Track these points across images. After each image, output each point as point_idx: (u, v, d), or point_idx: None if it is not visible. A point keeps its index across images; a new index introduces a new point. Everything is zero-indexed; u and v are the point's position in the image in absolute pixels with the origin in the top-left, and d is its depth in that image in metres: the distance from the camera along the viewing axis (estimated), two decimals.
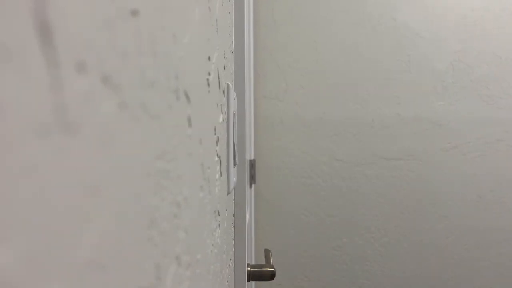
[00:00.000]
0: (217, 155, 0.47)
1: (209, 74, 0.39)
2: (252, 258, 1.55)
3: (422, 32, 1.82)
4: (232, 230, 0.82)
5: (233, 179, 0.75)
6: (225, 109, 0.61)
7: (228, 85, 0.65)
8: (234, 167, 0.75)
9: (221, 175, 0.51)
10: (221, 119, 0.52)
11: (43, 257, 0.09)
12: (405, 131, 1.82)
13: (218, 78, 0.48)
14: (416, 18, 1.82)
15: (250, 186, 1.57)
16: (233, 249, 0.84)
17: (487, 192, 1.74)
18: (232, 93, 0.72)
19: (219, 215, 0.48)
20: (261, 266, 0.84)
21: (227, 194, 0.64)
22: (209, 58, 0.39)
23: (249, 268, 0.83)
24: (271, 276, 0.82)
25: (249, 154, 1.49)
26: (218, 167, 0.47)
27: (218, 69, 0.47)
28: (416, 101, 1.82)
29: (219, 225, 0.48)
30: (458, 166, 1.79)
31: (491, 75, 1.78)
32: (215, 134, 0.45)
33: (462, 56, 1.79)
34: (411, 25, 1.82)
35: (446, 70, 1.79)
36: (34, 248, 0.09)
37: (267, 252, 0.93)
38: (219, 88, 0.50)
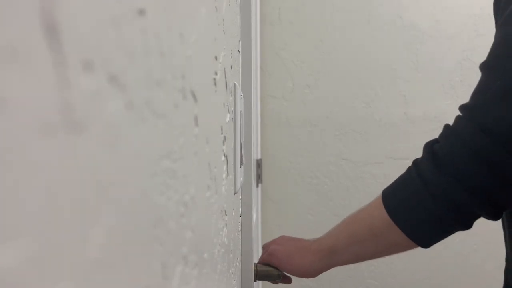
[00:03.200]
0: (224, 155, 0.47)
1: (216, 73, 0.39)
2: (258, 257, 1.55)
3: (429, 31, 1.81)
4: (239, 229, 0.82)
5: (240, 179, 0.75)
6: (232, 108, 0.61)
7: (234, 84, 0.65)
8: (240, 167, 0.75)
9: (228, 175, 0.51)
10: (227, 119, 0.52)
11: (49, 256, 0.09)
12: (413, 131, 1.81)
13: (225, 78, 0.48)
14: (423, 16, 1.81)
15: (257, 186, 1.57)
16: (240, 249, 0.84)
17: None
18: (239, 93, 0.72)
19: (226, 215, 0.48)
20: (268, 265, 0.84)
21: (234, 194, 0.64)
22: (216, 58, 0.39)
23: (256, 268, 0.84)
24: (277, 276, 0.83)
25: (256, 154, 1.49)
26: (225, 167, 0.48)
27: (225, 69, 0.47)
28: (424, 100, 1.80)
29: (226, 224, 0.48)
30: None
31: None
32: (221, 133, 0.45)
33: (470, 54, 1.78)
34: (419, 24, 1.81)
35: (454, 69, 1.77)
36: (40, 247, 0.09)
37: None
38: (226, 87, 0.50)
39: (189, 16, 0.26)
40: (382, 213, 0.64)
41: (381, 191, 0.68)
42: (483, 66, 0.60)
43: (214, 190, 0.37)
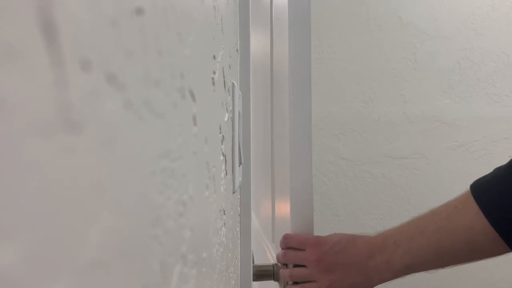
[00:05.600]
0: (222, 154, 0.47)
1: (214, 73, 0.39)
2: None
3: (428, 30, 1.81)
4: (238, 229, 0.82)
5: (238, 178, 0.75)
6: (230, 108, 0.61)
7: (233, 84, 0.65)
8: (239, 166, 0.75)
9: (226, 174, 0.51)
10: (226, 118, 0.52)
11: (46, 256, 0.09)
12: (411, 130, 1.81)
13: (223, 77, 0.48)
14: (422, 16, 1.81)
15: None
16: (239, 248, 0.84)
17: None
18: (237, 92, 0.72)
19: (224, 214, 0.48)
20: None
21: (233, 193, 0.64)
22: (214, 57, 0.39)
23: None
24: None
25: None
26: (223, 166, 0.48)
27: (223, 68, 0.47)
28: (422, 100, 1.81)
29: (224, 224, 0.48)
30: (465, 164, 1.78)
31: (498, 73, 1.76)
32: (220, 133, 0.45)
33: (468, 54, 1.78)
34: (417, 23, 1.81)
35: (452, 68, 1.78)
36: (37, 247, 0.09)
37: None
38: (224, 87, 0.50)
39: (188, 15, 0.26)
40: (485, 227, 0.55)
41: (471, 192, 0.59)
42: None
43: (213, 189, 0.37)
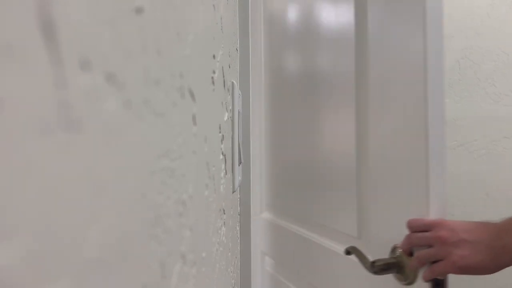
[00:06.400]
0: (222, 153, 0.47)
1: (214, 72, 0.39)
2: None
3: None
4: (238, 228, 0.82)
5: (238, 177, 0.75)
6: (230, 107, 0.61)
7: (233, 83, 0.65)
8: (239, 166, 0.75)
9: (226, 173, 0.51)
10: (226, 117, 0.52)
11: (47, 255, 0.09)
12: None
13: (223, 76, 0.48)
14: None
15: None
16: (239, 247, 0.84)
17: (495, 190, 1.72)
18: (237, 91, 0.72)
19: (224, 213, 0.48)
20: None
21: (232, 193, 0.64)
22: (214, 56, 0.39)
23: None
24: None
25: None
26: (223, 165, 0.47)
27: (223, 67, 0.47)
28: None
29: (224, 223, 0.48)
30: (465, 164, 1.78)
31: (497, 72, 1.76)
32: (220, 132, 0.45)
33: (468, 53, 1.78)
34: None
35: (452, 68, 1.78)
36: (39, 246, 0.09)
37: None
38: (224, 86, 0.50)
39: (187, 15, 0.26)
40: None
41: None
42: None
43: (213, 189, 0.37)
